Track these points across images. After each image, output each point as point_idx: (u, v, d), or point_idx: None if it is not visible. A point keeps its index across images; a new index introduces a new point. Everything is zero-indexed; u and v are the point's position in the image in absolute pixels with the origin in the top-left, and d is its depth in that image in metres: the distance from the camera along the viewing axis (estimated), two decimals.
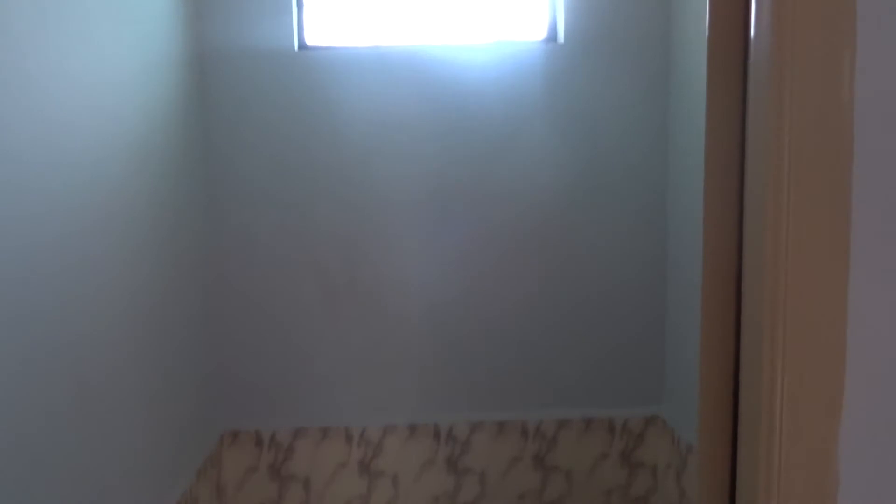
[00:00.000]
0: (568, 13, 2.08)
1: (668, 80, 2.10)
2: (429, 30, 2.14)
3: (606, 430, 2.21)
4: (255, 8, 2.04)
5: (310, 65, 2.08)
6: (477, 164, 2.11)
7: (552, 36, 2.14)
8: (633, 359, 2.21)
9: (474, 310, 2.16)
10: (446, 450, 2.20)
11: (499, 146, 2.10)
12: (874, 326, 0.78)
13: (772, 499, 0.77)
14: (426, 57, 2.08)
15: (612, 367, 2.21)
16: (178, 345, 1.78)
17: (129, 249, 1.45)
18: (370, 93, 2.08)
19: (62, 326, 1.15)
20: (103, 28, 1.36)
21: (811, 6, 0.74)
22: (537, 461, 2.21)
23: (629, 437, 2.22)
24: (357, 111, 2.08)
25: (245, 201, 2.10)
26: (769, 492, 0.77)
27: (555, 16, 2.13)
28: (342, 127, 2.08)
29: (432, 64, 2.08)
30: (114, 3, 1.42)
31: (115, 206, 1.39)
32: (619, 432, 2.21)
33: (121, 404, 1.38)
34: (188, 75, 1.92)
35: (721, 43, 0.87)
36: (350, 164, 2.09)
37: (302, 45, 2.11)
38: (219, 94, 2.06)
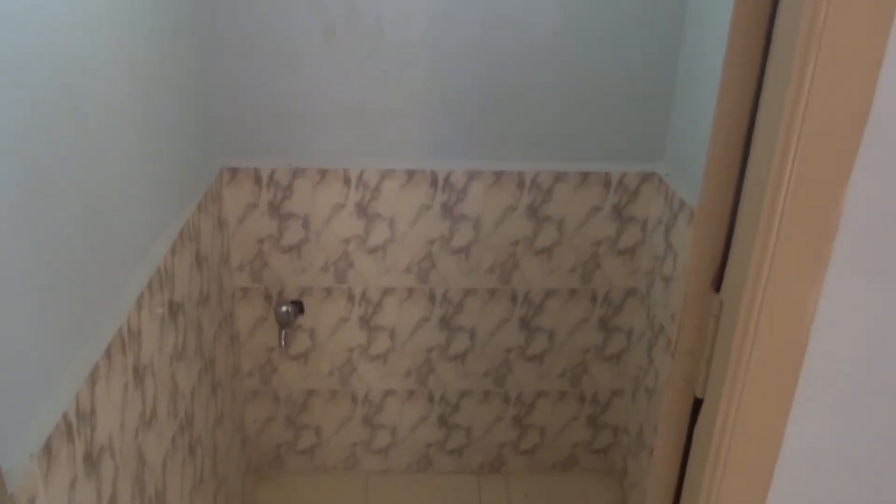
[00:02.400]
0: None
1: None
2: None
3: (602, 185, 2.23)
4: None
5: None
6: None
7: None
8: (638, 115, 2.17)
9: (479, 56, 2.07)
10: (443, 196, 2.23)
11: None
12: None
13: (769, 243, 0.79)
14: None
15: (615, 122, 2.17)
16: (173, 77, 1.72)
17: None
18: None
19: (55, 48, 1.09)
20: None
21: None
22: (531, 211, 2.26)
23: (624, 191, 2.25)
24: None
25: None
26: (767, 237, 0.79)
27: None
28: None
29: None
30: None
31: None
32: (615, 187, 2.24)
33: (118, 131, 1.36)
34: None
35: None
36: None
37: None
38: None
